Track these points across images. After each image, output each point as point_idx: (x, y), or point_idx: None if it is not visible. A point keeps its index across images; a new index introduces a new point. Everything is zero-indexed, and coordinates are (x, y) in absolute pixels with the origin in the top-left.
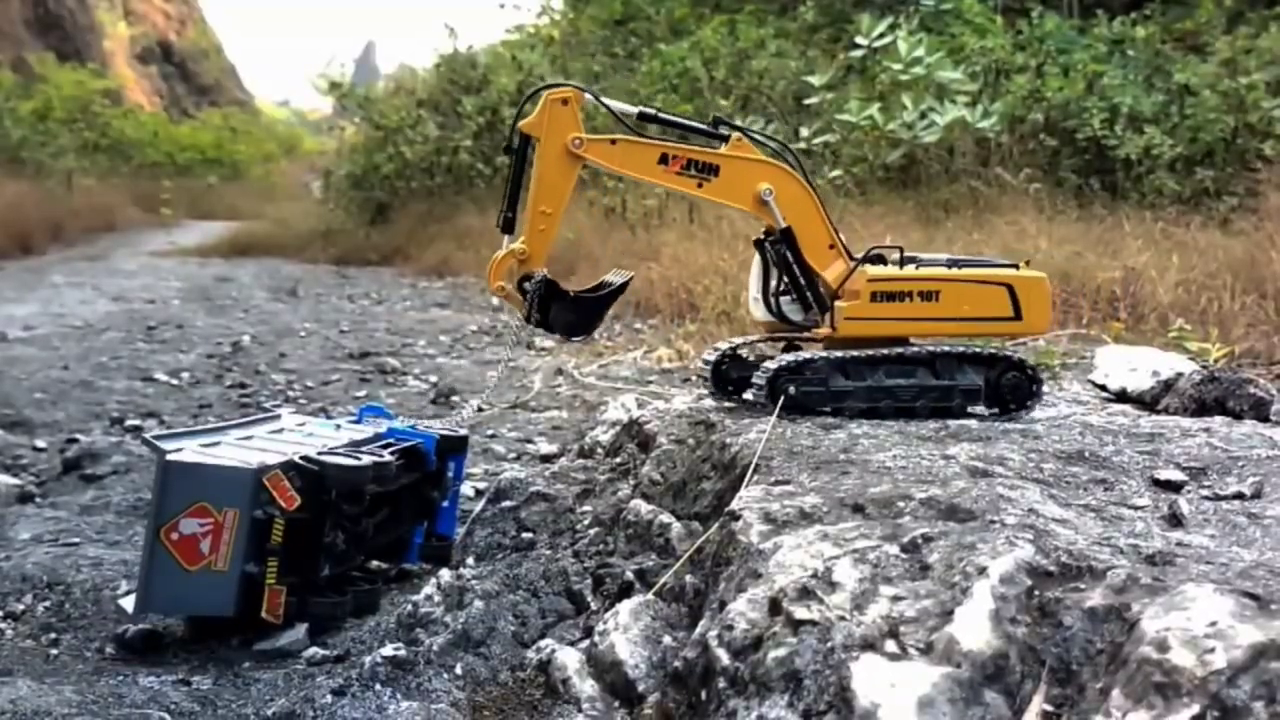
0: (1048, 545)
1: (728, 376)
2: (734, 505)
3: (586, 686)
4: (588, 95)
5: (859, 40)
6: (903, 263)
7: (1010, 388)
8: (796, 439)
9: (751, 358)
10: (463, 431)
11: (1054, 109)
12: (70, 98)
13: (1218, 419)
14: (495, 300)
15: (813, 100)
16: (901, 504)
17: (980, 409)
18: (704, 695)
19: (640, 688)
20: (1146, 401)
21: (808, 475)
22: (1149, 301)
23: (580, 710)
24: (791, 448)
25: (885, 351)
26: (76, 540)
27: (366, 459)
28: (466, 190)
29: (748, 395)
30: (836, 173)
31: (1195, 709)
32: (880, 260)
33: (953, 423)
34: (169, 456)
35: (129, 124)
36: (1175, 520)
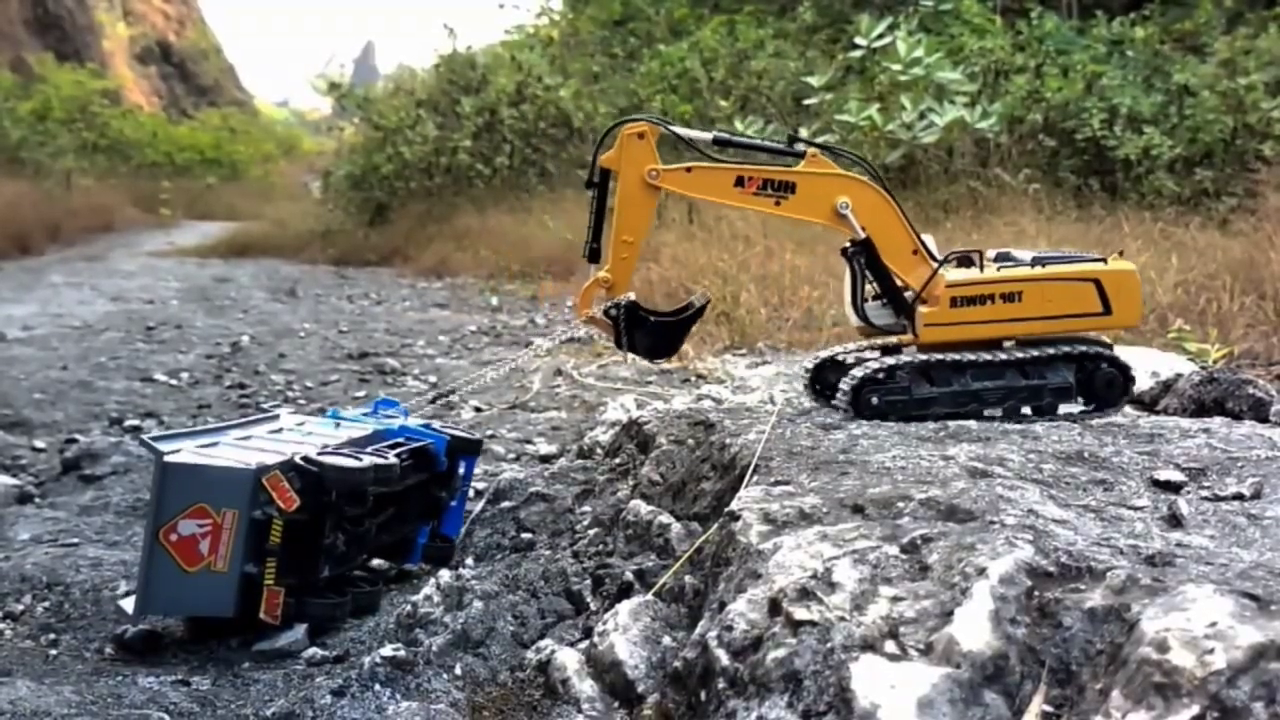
0: (1047, 546)
1: (826, 381)
2: (733, 506)
3: (586, 687)
4: (663, 128)
5: (858, 41)
6: (995, 260)
7: (1104, 383)
8: (796, 439)
9: (850, 361)
10: (476, 435)
11: (1053, 109)
12: (69, 98)
13: (1217, 419)
14: (494, 301)
15: (812, 101)
16: (901, 504)
17: (1072, 406)
18: (703, 696)
19: (640, 688)
20: (1145, 402)
21: (807, 476)
22: (1148, 302)
23: (580, 711)
24: (791, 448)
25: (971, 357)
26: (75, 541)
27: (367, 460)
28: (465, 191)
29: (835, 401)
30: None
31: (1195, 710)
32: (968, 262)
33: (952, 423)
34: (167, 458)
35: (128, 124)
36: (1175, 521)
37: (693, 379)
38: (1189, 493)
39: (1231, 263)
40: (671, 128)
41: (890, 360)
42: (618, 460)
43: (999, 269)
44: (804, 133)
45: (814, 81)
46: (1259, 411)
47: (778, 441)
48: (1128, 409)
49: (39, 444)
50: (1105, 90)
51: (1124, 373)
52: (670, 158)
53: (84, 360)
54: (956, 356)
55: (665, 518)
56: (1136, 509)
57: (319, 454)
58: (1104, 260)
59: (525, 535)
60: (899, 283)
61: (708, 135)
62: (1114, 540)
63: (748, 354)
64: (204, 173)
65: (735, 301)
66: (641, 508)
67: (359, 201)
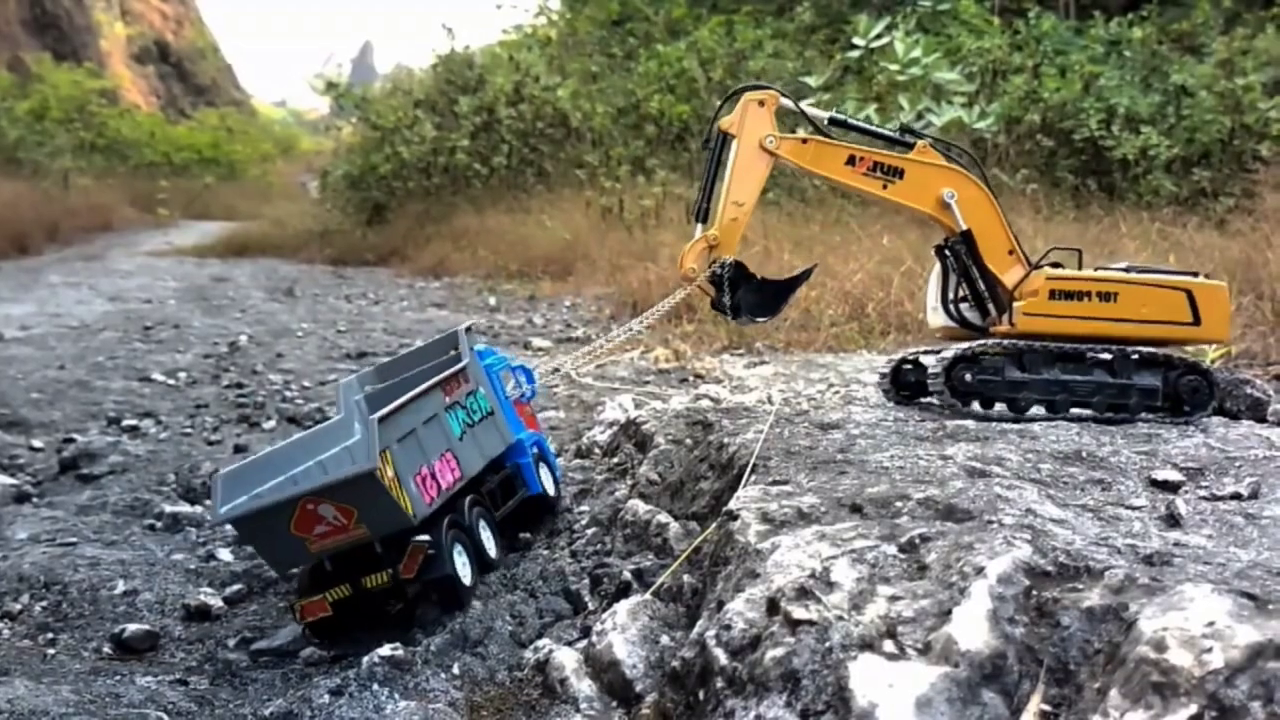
0: (1045, 545)
1: (905, 381)
2: (732, 505)
3: (584, 686)
4: (784, 99)
5: (856, 41)
6: (1080, 265)
7: (1189, 390)
8: (794, 439)
9: (928, 363)
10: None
11: (1051, 109)
12: (67, 97)
13: (1214, 419)
14: (492, 301)
15: (810, 101)
16: (899, 504)
17: (1159, 408)
18: (702, 695)
19: (638, 687)
20: None
21: (805, 475)
22: None
23: (578, 710)
24: (789, 448)
25: (1063, 347)
26: (73, 540)
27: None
28: (463, 190)
29: (926, 399)
30: None
31: (1193, 709)
32: (1059, 265)
33: (950, 423)
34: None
35: (125, 124)
36: (1173, 520)
37: (690, 379)
38: (1187, 492)
39: (1229, 262)
40: (794, 101)
41: (986, 341)
42: (616, 460)
43: (1095, 270)
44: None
45: (812, 81)
46: (1256, 411)
47: (776, 441)
48: None
49: (37, 443)
50: (1103, 90)
51: (1208, 380)
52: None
53: (82, 360)
54: (1049, 346)
55: (663, 517)
56: (1134, 509)
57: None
58: (1197, 274)
59: (523, 535)
60: (994, 279)
61: (824, 114)
62: (1112, 540)
63: (745, 354)
64: (202, 172)
65: None
66: (639, 507)
67: (357, 201)
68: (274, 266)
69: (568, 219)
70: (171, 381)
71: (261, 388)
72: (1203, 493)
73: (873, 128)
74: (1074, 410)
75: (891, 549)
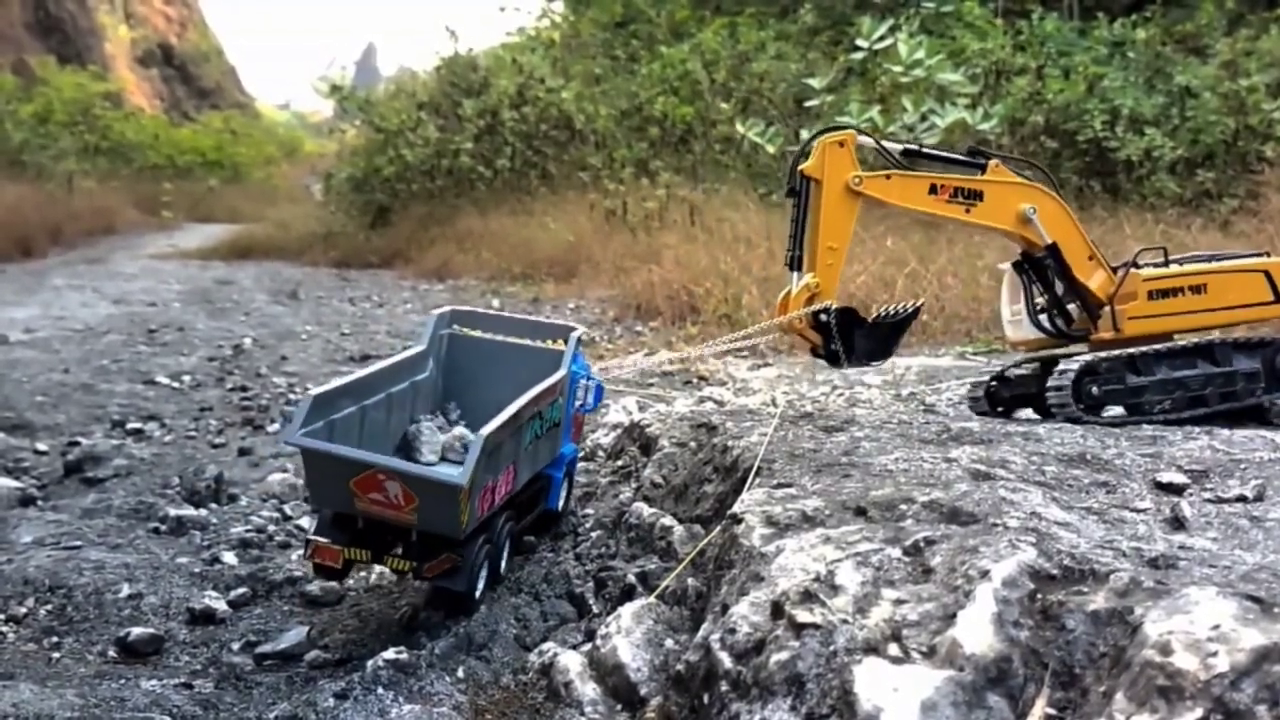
0: (1050, 548)
1: (999, 397)
2: (736, 508)
3: (588, 690)
4: (862, 138)
5: (859, 42)
6: (1167, 262)
7: None
8: (798, 442)
9: (1017, 376)
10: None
11: (1055, 111)
12: (71, 100)
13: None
14: (495, 304)
15: (813, 103)
16: (904, 507)
17: (1260, 390)
18: (706, 699)
19: (642, 691)
20: None
21: (810, 478)
22: None
23: (582, 713)
24: (793, 450)
25: (1164, 346)
26: (78, 543)
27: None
28: (467, 193)
29: (1050, 401)
30: None
31: (1198, 712)
32: (1135, 265)
33: (954, 425)
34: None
35: (130, 127)
36: (1177, 523)
37: (695, 381)
38: (1191, 495)
39: None
40: (874, 138)
41: (1100, 353)
42: (620, 462)
43: (1180, 266)
44: (805, 134)
45: (815, 83)
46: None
47: (780, 444)
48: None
49: (41, 446)
50: (1107, 91)
51: None
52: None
53: (86, 363)
54: (1148, 349)
55: (668, 520)
56: (1139, 511)
57: None
58: (1269, 254)
59: (528, 538)
60: (1081, 286)
61: (898, 146)
62: (1117, 542)
63: (749, 356)
64: (206, 175)
65: (737, 303)
66: (644, 510)
67: (360, 204)
68: (278, 269)
69: (571, 221)
70: (176, 384)
71: (266, 390)
72: (1208, 495)
73: (944, 153)
74: (1190, 412)
75: (896, 552)
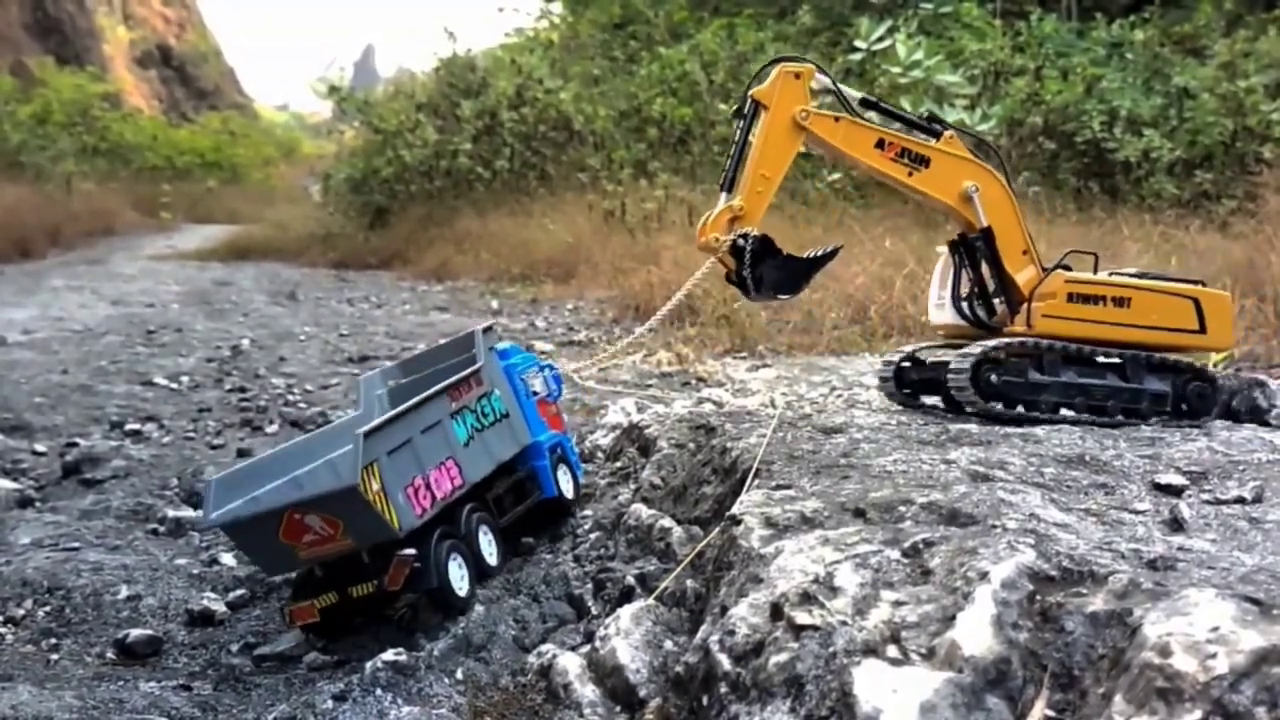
0: (1049, 550)
1: (908, 379)
2: (735, 510)
3: (587, 691)
4: (820, 75)
5: (858, 43)
6: (1096, 269)
7: (1195, 396)
8: (797, 443)
9: (930, 360)
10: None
11: (1053, 112)
12: (69, 101)
13: (1217, 423)
14: (494, 305)
15: (814, 104)
16: (903, 508)
17: (1165, 415)
18: (705, 700)
19: (641, 693)
20: None
21: (809, 480)
22: None
23: (581, 715)
24: (792, 452)
25: (1083, 348)
26: (76, 545)
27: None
28: (465, 194)
29: (930, 399)
30: (835, 176)
31: (1198, 714)
32: (1068, 268)
33: (953, 427)
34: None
35: (128, 128)
36: (1176, 525)
37: (693, 382)
38: (1190, 496)
39: (1232, 265)
40: (830, 77)
41: (1005, 341)
42: (618, 464)
43: (1109, 275)
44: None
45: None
46: (1257, 414)
47: (779, 445)
48: None
49: (39, 448)
50: (1105, 92)
51: (1214, 386)
52: None
53: (84, 364)
54: (1065, 346)
55: (666, 521)
56: (1138, 513)
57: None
58: (1202, 283)
59: (526, 539)
60: (1008, 279)
61: (857, 94)
62: (1115, 544)
63: (748, 357)
64: (204, 176)
65: (736, 304)
66: (643, 511)
67: (359, 205)
68: (276, 270)
69: (570, 222)
70: (174, 385)
71: (264, 392)
72: (1206, 497)
73: (902, 112)
74: (1085, 415)
75: (895, 554)
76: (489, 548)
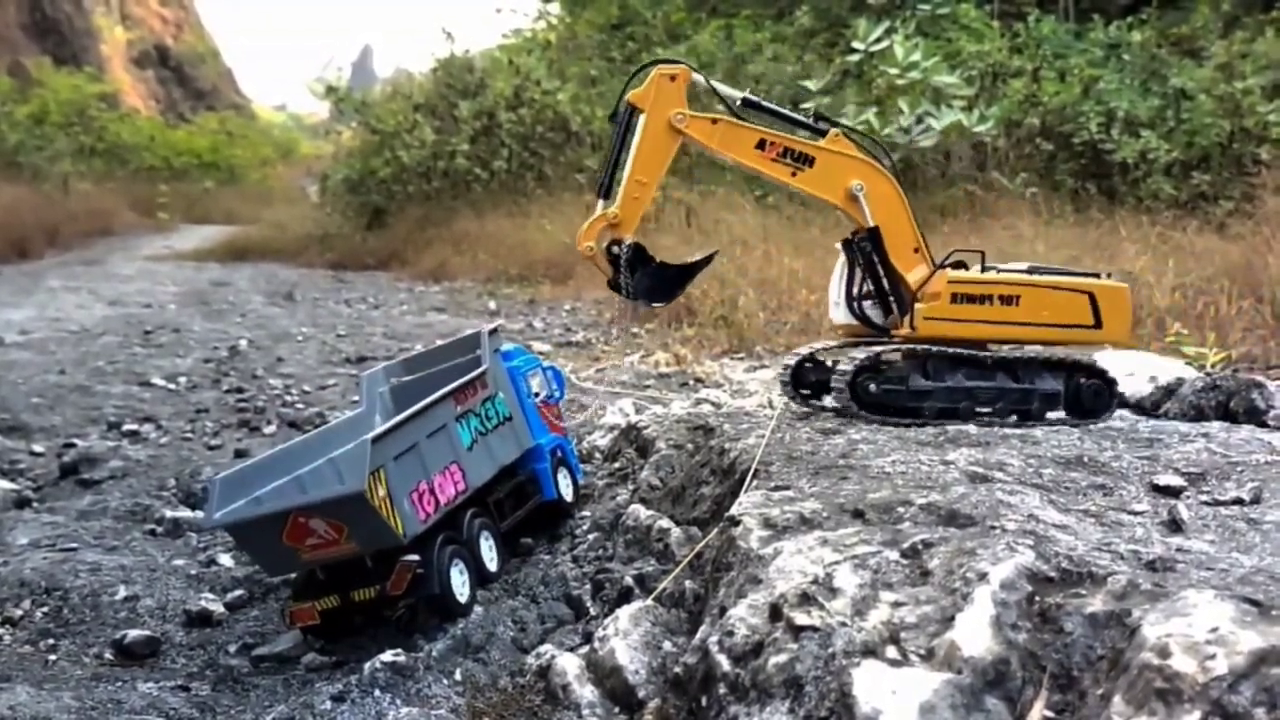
0: (1048, 551)
1: (807, 380)
2: (734, 510)
3: (586, 692)
4: (696, 76)
5: (855, 45)
6: (984, 268)
7: (1090, 395)
8: (796, 444)
9: (830, 362)
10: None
11: (1050, 113)
12: (67, 102)
13: (1216, 424)
14: (492, 305)
15: (809, 105)
16: (901, 509)
17: (1058, 414)
18: (704, 701)
19: (640, 693)
20: (1146, 407)
21: (807, 480)
22: (1146, 306)
23: (580, 716)
24: (791, 452)
25: (967, 352)
26: (74, 545)
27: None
28: (463, 194)
29: (828, 399)
30: None
31: (1197, 715)
32: (961, 266)
33: (951, 428)
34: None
35: (125, 128)
36: (1175, 526)
37: (691, 383)
38: (1189, 497)
39: (1229, 266)
40: (707, 78)
41: (888, 349)
42: (617, 465)
43: (996, 274)
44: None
45: (811, 85)
46: (1254, 415)
47: (777, 446)
48: (1126, 413)
49: (37, 448)
50: (1102, 94)
51: (1109, 383)
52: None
53: (82, 364)
54: (952, 351)
55: (665, 522)
56: (1136, 514)
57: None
58: (1099, 275)
59: (524, 540)
60: (898, 278)
61: (739, 94)
62: (1114, 545)
63: (746, 358)
64: (202, 176)
65: (734, 305)
66: (641, 512)
67: (356, 205)
68: (274, 271)
69: (568, 223)
70: (172, 386)
71: (262, 392)
72: (1204, 498)
73: (786, 112)
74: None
75: (894, 555)
76: (490, 553)
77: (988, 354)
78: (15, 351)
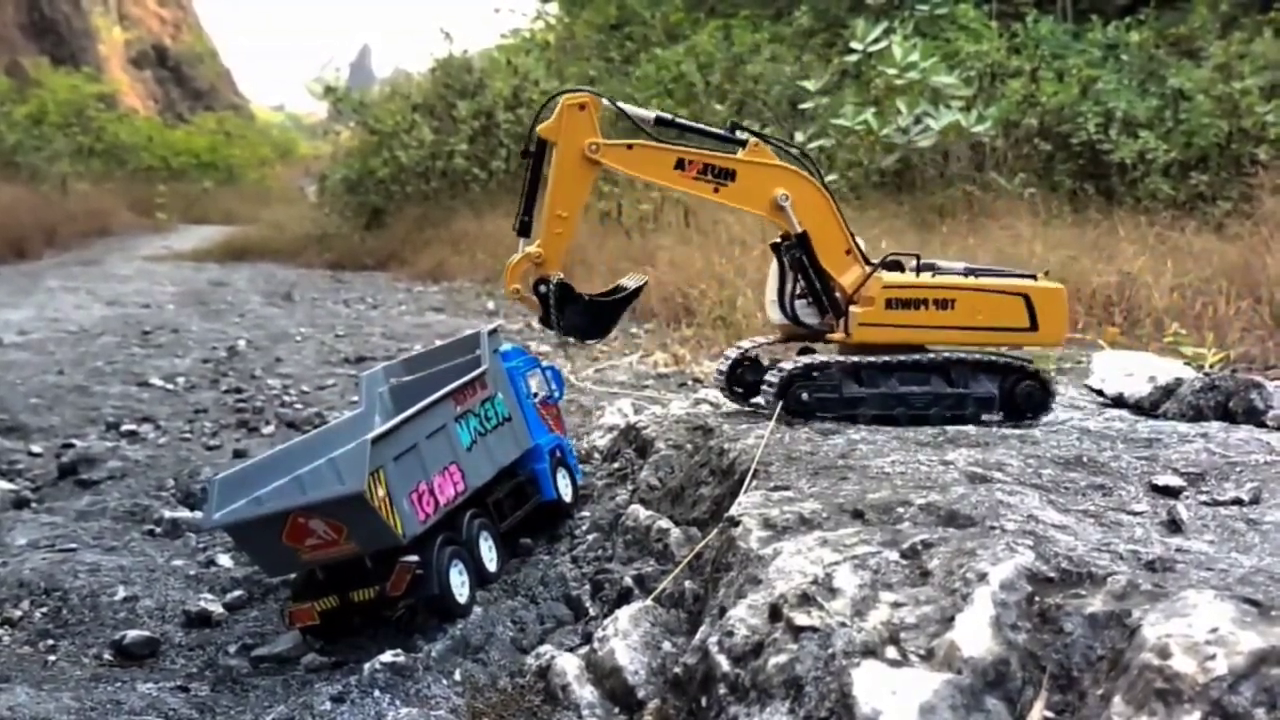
0: (1048, 551)
1: (742, 380)
2: (733, 511)
3: (586, 692)
4: (605, 101)
5: (854, 45)
6: (920, 270)
7: (1024, 396)
8: (795, 444)
9: (766, 361)
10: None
11: (1048, 113)
12: (65, 102)
13: (1215, 424)
14: (490, 305)
15: (808, 105)
16: (901, 510)
17: (994, 416)
18: (704, 702)
19: (640, 694)
20: (1145, 407)
21: (807, 481)
22: (1144, 306)
23: (580, 716)
24: (790, 453)
25: (900, 358)
26: (73, 546)
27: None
28: (462, 194)
29: (757, 400)
30: (832, 177)
31: (1197, 715)
32: (898, 267)
33: (951, 428)
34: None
35: (124, 128)
36: (1174, 526)
37: (690, 383)
38: (1188, 498)
39: (1227, 266)
40: (614, 102)
41: (820, 357)
42: (616, 465)
43: (933, 276)
44: (799, 137)
45: (810, 85)
46: (1253, 416)
47: (777, 446)
48: (1125, 414)
49: (35, 449)
50: (1101, 94)
51: (1044, 385)
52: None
53: (80, 365)
54: (886, 358)
55: (664, 523)
56: (1136, 514)
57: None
58: (1034, 277)
59: (524, 540)
60: (831, 281)
61: (650, 114)
62: (1114, 545)
63: None
64: (200, 176)
65: (732, 305)
66: (640, 513)
67: (355, 205)
68: (272, 271)
69: None
70: (170, 386)
71: (260, 392)
72: (1204, 498)
73: (701, 126)
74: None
75: (894, 555)
76: (489, 554)
77: (921, 357)
78: (13, 352)
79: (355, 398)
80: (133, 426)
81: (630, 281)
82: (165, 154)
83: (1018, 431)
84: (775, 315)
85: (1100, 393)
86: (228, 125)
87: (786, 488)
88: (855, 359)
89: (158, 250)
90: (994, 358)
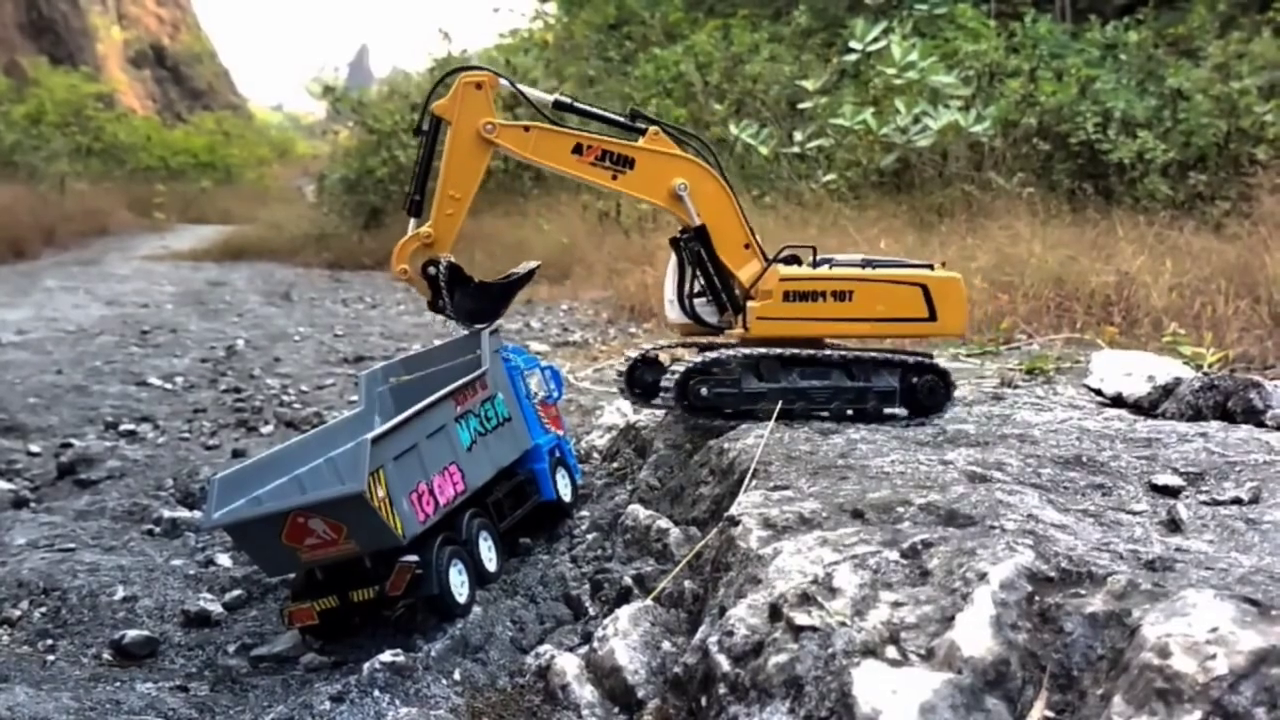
0: (1048, 551)
1: (641, 381)
2: (733, 510)
3: (585, 692)
4: (504, 81)
5: (853, 45)
6: (817, 263)
7: (925, 390)
8: (795, 444)
9: (667, 361)
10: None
11: (1047, 113)
12: (63, 101)
13: (1214, 424)
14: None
15: (806, 105)
16: (901, 509)
17: (897, 410)
18: (704, 701)
19: (640, 694)
20: (1144, 407)
21: (806, 480)
22: (1143, 306)
23: (579, 716)
24: (790, 453)
25: (799, 352)
26: (72, 545)
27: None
28: None
29: (657, 401)
30: (830, 177)
31: (1197, 715)
32: (795, 260)
33: (950, 428)
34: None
35: (122, 128)
36: (1174, 525)
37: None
38: (1187, 497)
39: (1226, 266)
40: (513, 83)
41: (720, 353)
42: (615, 464)
43: (829, 269)
44: (798, 136)
45: (809, 85)
46: (1252, 415)
47: (776, 446)
48: (1124, 413)
49: (34, 448)
50: (1099, 94)
51: (945, 378)
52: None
53: (78, 364)
54: (784, 351)
55: (664, 522)
56: (1135, 514)
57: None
58: (932, 266)
59: (523, 540)
60: (730, 276)
61: (549, 97)
62: (1114, 545)
63: None
64: (198, 176)
65: None
66: (640, 512)
67: (353, 205)
68: (270, 270)
69: (565, 223)
70: (169, 386)
71: (259, 392)
72: (1203, 498)
73: (601, 112)
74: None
75: (894, 554)
76: (489, 554)
77: (820, 352)
78: (12, 351)
79: (354, 397)
80: (131, 426)
81: (521, 267)
82: (163, 154)
83: (1017, 431)
84: (674, 314)
85: (1099, 392)
86: (226, 125)
87: (786, 487)
88: (755, 352)
89: (156, 250)
90: (894, 352)
